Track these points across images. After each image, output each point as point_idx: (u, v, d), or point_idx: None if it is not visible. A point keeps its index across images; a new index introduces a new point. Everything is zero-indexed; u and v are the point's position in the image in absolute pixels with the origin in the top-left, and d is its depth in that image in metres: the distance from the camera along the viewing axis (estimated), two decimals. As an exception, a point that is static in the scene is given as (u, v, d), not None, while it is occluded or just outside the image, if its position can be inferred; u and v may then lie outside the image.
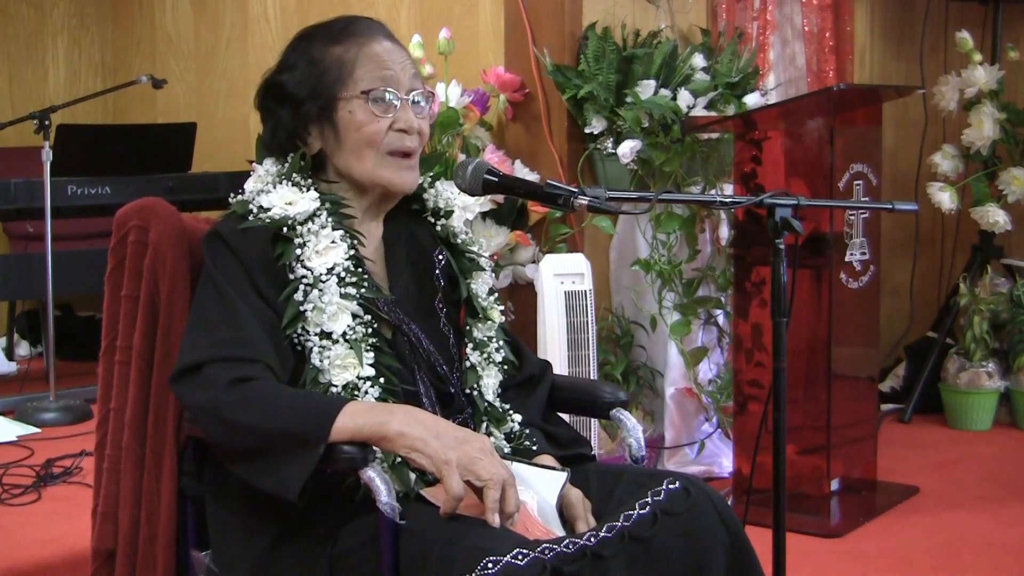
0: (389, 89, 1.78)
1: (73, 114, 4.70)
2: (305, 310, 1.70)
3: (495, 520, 1.54)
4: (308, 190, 1.77)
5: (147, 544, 1.85)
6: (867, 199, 3.27)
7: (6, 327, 5.28)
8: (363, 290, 1.74)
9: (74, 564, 2.77)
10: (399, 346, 1.78)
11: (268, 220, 1.74)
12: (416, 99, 1.82)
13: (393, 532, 1.54)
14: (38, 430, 3.99)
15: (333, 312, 1.70)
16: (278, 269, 1.73)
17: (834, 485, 3.23)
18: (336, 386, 1.69)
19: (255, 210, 1.76)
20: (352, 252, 1.76)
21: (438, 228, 1.92)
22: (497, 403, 1.86)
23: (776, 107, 3.37)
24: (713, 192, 3.52)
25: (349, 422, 1.57)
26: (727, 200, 2.05)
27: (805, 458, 3.21)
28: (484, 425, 1.83)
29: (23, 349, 5.30)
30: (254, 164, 1.86)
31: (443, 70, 3.50)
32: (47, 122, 4.10)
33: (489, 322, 1.89)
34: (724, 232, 3.61)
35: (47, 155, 4.06)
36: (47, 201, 4.06)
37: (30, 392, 4.38)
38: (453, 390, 1.82)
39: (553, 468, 1.76)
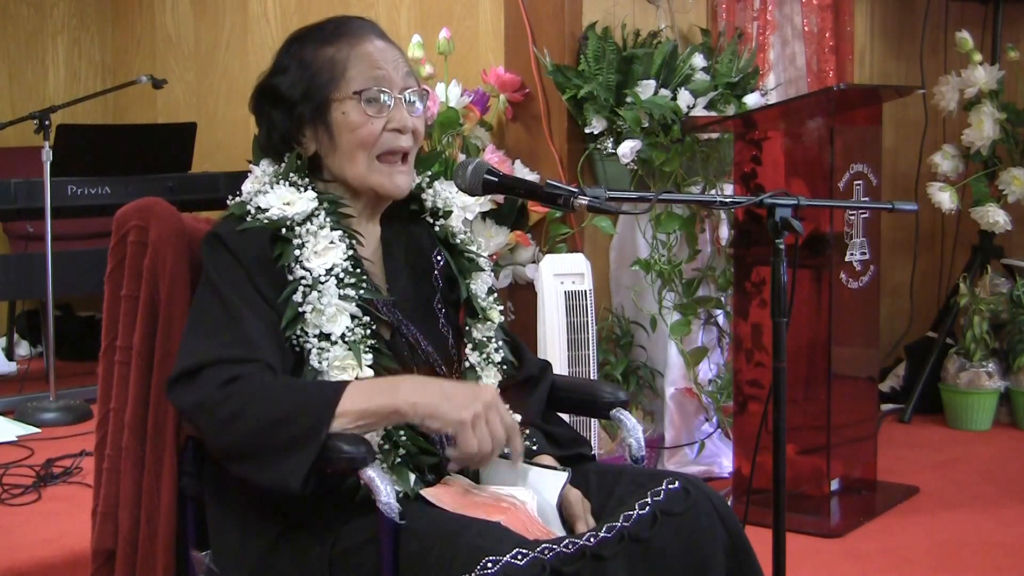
0: (382, 88, 1.78)
1: (73, 114, 4.71)
2: (304, 311, 1.70)
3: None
4: (306, 190, 1.77)
5: (147, 544, 1.85)
6: (867, 199, 3.27)
7: (6, 327, 5.28)
8: (362, 291, 1.73)
9: (74, 564, 2.78)
10: (398, 347, 1.78)
11: (266, 221, 1.74)
12: (410, 98, 1.82)
13: (393, 532, 1.54)
14: (38, 430, 3.99)
15: (332, 314, 1.70)
16: (277, 270, 1.72)
17: (834, 485, 3.23)
18: (335, 387, 1.69)
19: (253, 211, 1.76)
20: (351, 252, 1.76)
21: (436, 228, 1.92)
22: (496, 404, 1.86)
23: (776, 107, 3.37)
24: (713, 192, 3.52)
25: (358, 403, 1.58)
26: (727, 200, 2.05)
27: (805, 458, 3.21)
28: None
29: (23, 349, 5.30)
30: (251, 165, 1.86)
31: (443, 70, 3.50)
32: (47, 122, 4.11)
33: (488, 322, 1.89)
34: (724, 232, 3.61)
35: (47, 155, 4.07)
36: (47, 201, 4.06)
37: (30, 392, 4.39)
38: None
39: (554, 468, 1.76)
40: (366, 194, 1.82)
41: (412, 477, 1.67)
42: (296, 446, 1.56)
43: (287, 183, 1.78)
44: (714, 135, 3.48)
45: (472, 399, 1.59)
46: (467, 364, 1.85)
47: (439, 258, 1.90)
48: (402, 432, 1.68)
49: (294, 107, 1.79)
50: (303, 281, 1.71)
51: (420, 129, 1.84)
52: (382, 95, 1.78)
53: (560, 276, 3.22)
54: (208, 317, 1.69)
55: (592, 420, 3.09)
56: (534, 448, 1.84)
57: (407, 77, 1.82)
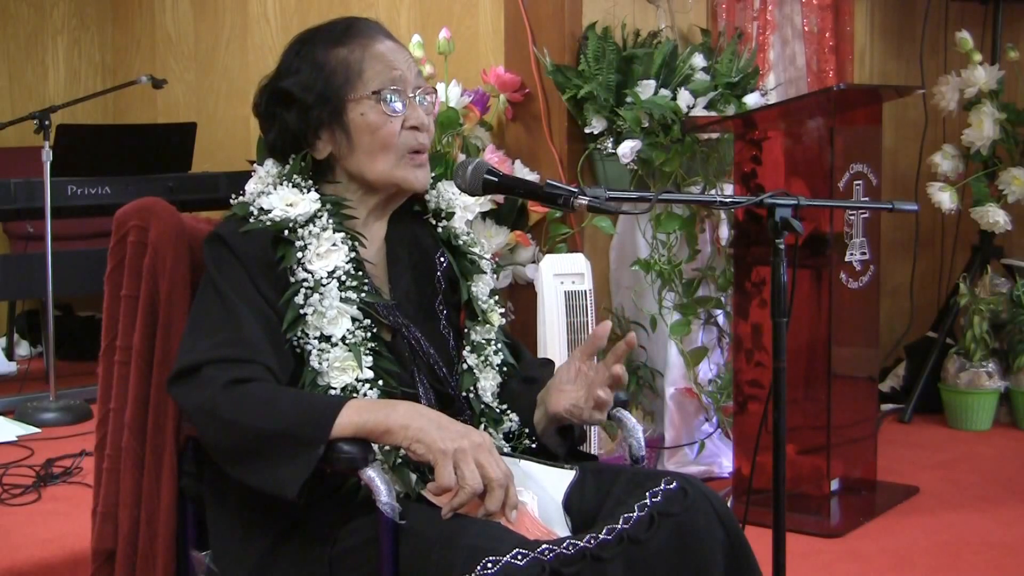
0: (399, 88, 1.79)
1: (73, 114, 4.70)
2: (305, 314, 1.70)
3: (499, 518, 1.55)
4: (309, 191, 1.77)
5: (147, 544, 1.85)
6: (867, 199, 3.27)
7: (6, 327, 5.28)
8: (363, 294, 1.73)
9: (74, 564, 2.77)
10: (399, 349, 1.78)
11: (269, 223, 1.74)
12: (423, 97, 1.82)
13: (393, 532, 1.54)
14: (38, 430, 3.99)
15: (333, 316, 1.70)
16: (279, 271, 1.72)
17: (834, 485, 3.23)
18: (335, 388, 1.69)
19: (255, 212, 1.76)
20: (353, 255, 1.76)
21: (439, 230, 1.92)
22: (495, 404, 1.86)
23: (776, 107, 3.37)
24: (713, 192, 3.52)
25: (354, 417, 1.58)
26: (727, 200, 2.05)
27: (805, 458, 3.21)
28: (482, 426, 1.83)
29: (23, 349, 5.29)
30: (255, 165, 1.86)
31: (443, 70, 3.50)
32: (47, 122, 4.10)
33: (488, 325, 1.89)
34: (724, 232, 3.61)
35: (47, 155, 4.06)
36: (47, 201, 4.06)
37: (30, 392, 4.39)
38: (452, 392, 1.82)
39: (560, 466, 1.77)
40: (385, 190, 1.82)
41: (412, 477, 1.67)
42: (294, 457, 1.56)
43: (290, 184, 1.78)
44: (714, 135, 3.48)
45: (461, 435, 1.57)
46: (465, 366, 1.85)
47: (442, 259, 1.90)
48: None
49: (309, 110, 1.78)
50: (305, 283, 1.71)
51: (432, 127, 1.85)
52: (399, 95, 1.79)
53: (560, 276, 3.22)
54: (209, 316, 1.70)
55: (592, 420, 3.09)
56: (533, 447, 1.84)
57: (418, 76, 1.84)
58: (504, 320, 1.94)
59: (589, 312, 3.21)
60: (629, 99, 3.36)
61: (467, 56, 3.75)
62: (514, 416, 1.85)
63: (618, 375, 1.75)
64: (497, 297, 1.94)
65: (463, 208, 1.95)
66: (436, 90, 1.92)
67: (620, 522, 1.57)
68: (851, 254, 3.25)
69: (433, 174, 1.94)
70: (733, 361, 3.41)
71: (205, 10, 5.22)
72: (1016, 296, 4.25)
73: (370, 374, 1.70)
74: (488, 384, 1.86)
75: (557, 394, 1.81)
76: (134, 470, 1.86)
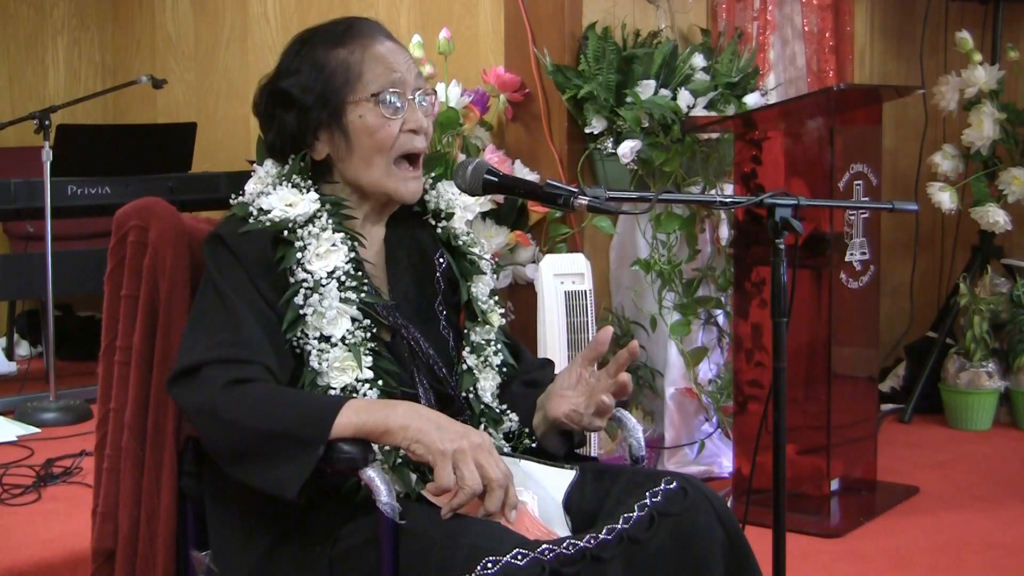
0: (398, 90, 1.78)
1: (73, 114, 4.71)
2: (305, 314, 1.70)
3: (499, 518, 1.55)
4: (308, 191, 1.77)
5: (147, 544, 1.85)
6: (867, 199, 3.27)
7: (6, 327, 5.28)
8: (363, 294, 1.73)
9: (74, 564, 2.78)
10: (398, 349, 1.78)
11: (268, 223, 1.74)
12: (421, 99, 1.82)
13: (393, 532, 1.54)
14: (38, 430, 3.99)
15: (332, 316, 1.70)
16: (279, 272, 1.72)
17: (834, 485, 3.23)
18: (334, 388, 1.69)
19: (255, 212, 1.75)
20: (352, 255, 1.75)
21: (439, 230, 1.92)
22: (495, 405, 1.86)
23: (776, 107, 3.37)
24: (713, 192, 3.52)
25: (353, 418, 1.58)
26: (727, 200, 2.05)
27: (805, 458, 3.21)
28: (482, 426, 1.83)
29: (23, 349, 5.30)
30: (255, 165, 1.86)
31: (443, 70, 3.50)
32: (47, 122, 4.11)
33: (488, 325, 1.89)
34: (724, 232, 3.61)
35: (47, 155, 4.07)
36: (47, 201, 4.06)
37: (30, 392, 4.39)
38: (452, 392, 1.82)
39: (560, 466, 1.77)
40: (377, 198, 1.83)
41: (412, 477, 1.67)
42: (294, 457, 1.56)
43: (290, 184, 1.78)
44: (714, 135, 3.48)
45: (460, 436, 1.57)
46: (465, 367, 1.85)
47: (441, 260, 1.90)
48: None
49: (308, 111, 1.78)
50: (304, 283, 1.71)
51: (430, 130, 1.85)
52: (398, 97, 1.78)
53: (560, 276, 3.22)
54: (209, 317, 1.70)
55: (592, 420, 3.09)
56: (533, 446, 1.84)
57: (418, 78, 1.83)
58: (504, 320, 1.94)
59: (589, 312, 3.21)
60: (629, 99, 3.36)
61: (467, 56, 3.75)
62: (514, 416, 1.85)
63: (624, 383, 1.76)
64: (497, 297, 1.94)
65: (463, 208, 1.95)
66: (436, 91, 1.92)
67: (620, 522, 1.57)
68: (851, 254, 3.25)
69: (433, 174, 1.94)
70: (733, 361, 3.41)
71: (205, 10, 5.22)
72: (1016, 296, 4.25)
73: (370, 374, 1.70)
74: (488, 384, 1.86)
75: (557, 399, 1.82)
76: (134, 470, 1.86)
